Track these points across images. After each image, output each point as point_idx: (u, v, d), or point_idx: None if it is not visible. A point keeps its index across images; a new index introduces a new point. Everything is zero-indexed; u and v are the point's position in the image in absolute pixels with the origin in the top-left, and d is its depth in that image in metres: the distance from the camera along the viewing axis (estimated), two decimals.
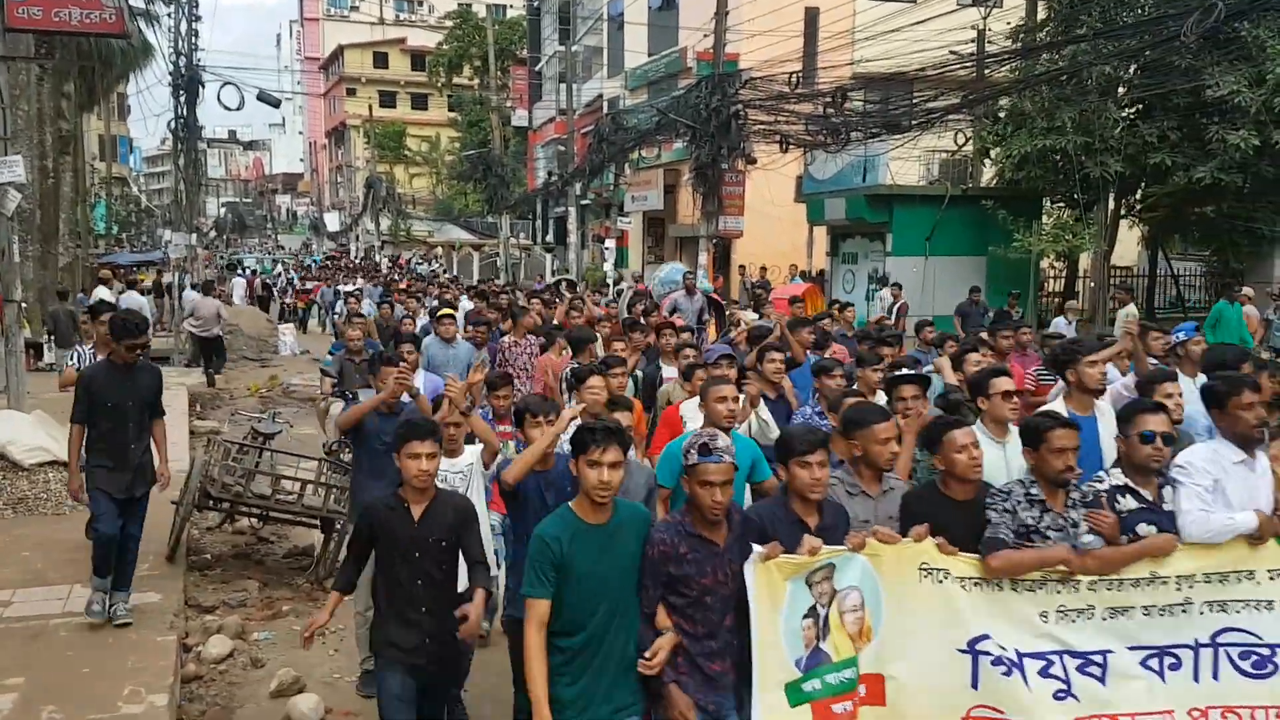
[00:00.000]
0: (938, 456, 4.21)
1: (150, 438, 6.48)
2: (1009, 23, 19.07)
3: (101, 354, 7.26)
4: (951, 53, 16.24)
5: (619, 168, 27.73)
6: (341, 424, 6.46)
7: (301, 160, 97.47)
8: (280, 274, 41.18)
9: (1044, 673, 3.96)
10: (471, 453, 5.30)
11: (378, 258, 49.07)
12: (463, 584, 4.31)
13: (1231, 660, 4.07)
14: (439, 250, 49.18)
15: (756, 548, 3.70)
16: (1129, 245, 21.71)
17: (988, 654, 3.93)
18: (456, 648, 4.25)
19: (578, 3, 38.40)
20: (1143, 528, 4.05)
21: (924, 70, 15.96)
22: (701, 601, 3.71)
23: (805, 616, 3.78)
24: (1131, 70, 16.59)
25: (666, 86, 29.80)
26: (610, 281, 25.93)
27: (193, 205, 27.80)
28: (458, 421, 5.21)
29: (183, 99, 24.13)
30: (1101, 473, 4.32)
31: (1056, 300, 21.33)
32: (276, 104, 26.59)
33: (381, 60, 71.36)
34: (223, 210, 78.66)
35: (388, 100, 68.60)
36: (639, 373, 8.36)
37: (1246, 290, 14.31)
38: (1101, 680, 3.98)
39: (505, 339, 9.66)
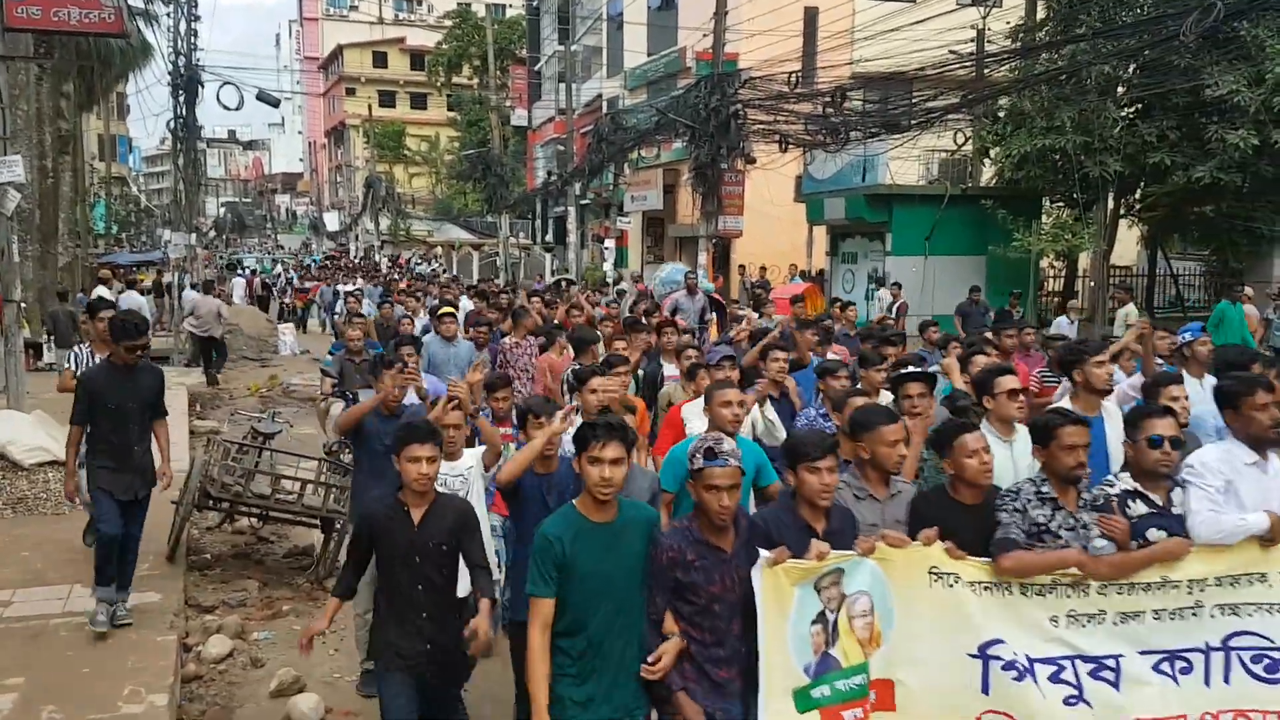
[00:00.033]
0: (947, 461, 4.16)
1: (153, 439, 6.46)
2: (1008, 22, 19.07)
3: (100, 352, 7.25)
4: (951, 52, 16.24)
5: (618, 167, 27.75)
6: (340, 426, 6.46)
7: (301, 160, 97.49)
8: (280, 274, 41.16)
9: (1055, 678, 3.91)
10: (471, 456, 5.26)
11: (377, 257, 49.08)
12: (463, 588, 4.27)
13: (1244, 664, 4.02)
14: (438, 250, 49.19)
15: (763, 553, 3.66)
16: (1128, 245, 21.71)
17: (999, 659, 3.89)
18: (458, 653, 4.20)
19: (577, 2, 38.37)
20: (1153, 533, 4.01)
21: (923, 70, 15.96)
22: (709, 609, 3.67)
23: (814, 622, 3.73)
24: (1131, 70, 16.59)
25: (666, 86, 29.80)
26: (610, 281, 25.93)
27: (192, 205, 27.79)
28: (457, 423, 5.17)
29: (182, 99, 24.11)
30: (1111, 477, 4.29)
31: (1056, 300, 21.34)
32: (276, 104, 26.60)
33: (381, 60, 71.36)
34: (222, 210, 78.69)
35: (387, 100, 68.60)
36: (640, 371, 8.34)
37: (1246, 290, 14.32)
38: (1115, 685, 3.94)
39: (506, 340, 9.65)
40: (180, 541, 7.82)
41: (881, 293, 19.48)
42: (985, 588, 3.92)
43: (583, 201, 32.53)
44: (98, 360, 7.20)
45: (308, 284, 33.81)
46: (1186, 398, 5.29)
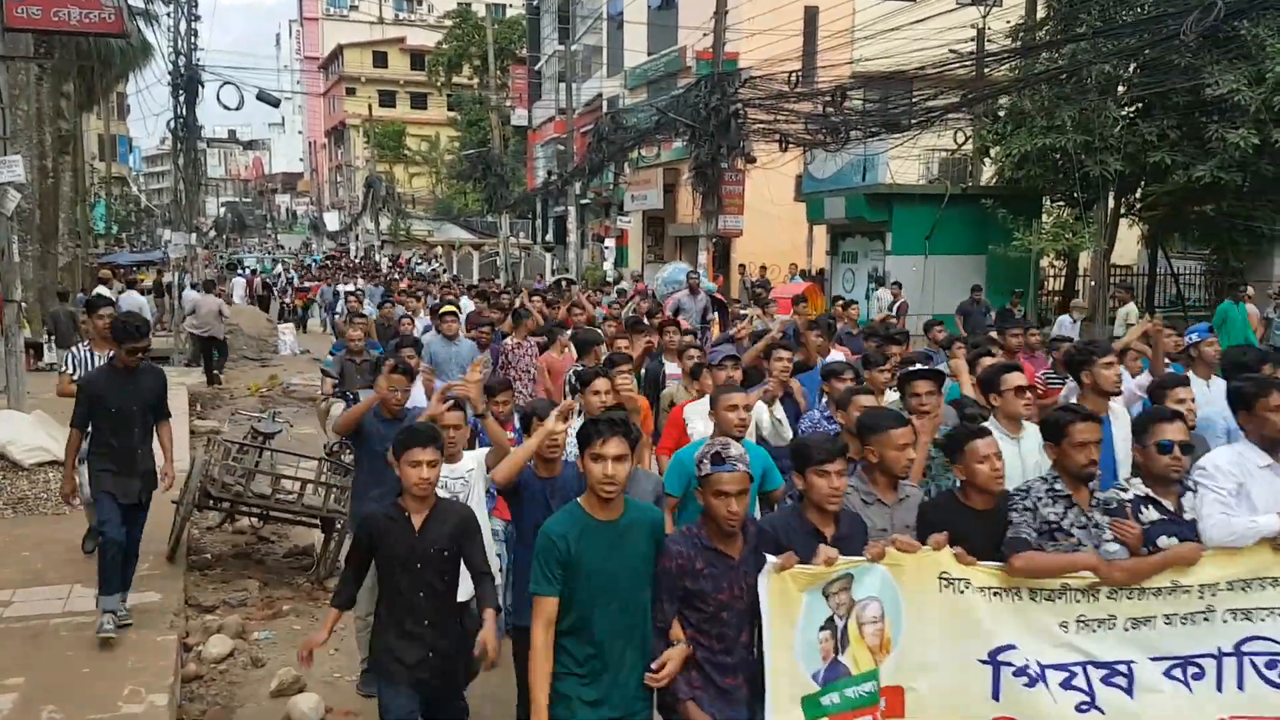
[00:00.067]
0: (958, 466, 4.12)
1: (155, 441, 6.43)
2: (1008, 21, 19.07)
3: (99, 350, 7.24)
4: (951, 51, 16.23)
5: (618, 167, 27.76)
6: (338, 429, 6.44)
7: (301, 160, 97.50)
8: (280, 274, 41.17)
9: (1067, 684, 3.87)
10: (471, 458, 5.18)
11: (377, 257, 49.11)
12: (463, 592, 4.22)
13: (1257, 669, 3.96)
14: (439, 250, 49.17)
15: (770, 558, 3.62)
16: (1129, 244, 21.71)
17: (1009, 664, 3.85)
18: (459, 659, 4.16)
19: (577, 2, 38.38)
20: (1163, 540, 3.95)
21: (923, 69, 15.96)
22: (718, 617, 3.61)
23: (822, 628, 3.69)
24: (1131, 69, 16.58)
25: (666, 85, 29.81)
26: (610, 280, 25.94)
27: (192, 205, 27.81)
28: (457, 424, 5.12)
29: (182, 98, 24.13)
30: (1123, 481, 4.26)
31: (1057, 299, 21.34)
32: (276, 103, 26.60)
33: (381, 60, 71.38)
34: (222, 210, 78.75)
35: (387, 100, 68.60)
36: (642, 370, 8.32)
37: (1247, 289, 14.31)
38: (1128, 692, 3.89)
39: (508, 340, 9.65)
40: (180, 541, 7.82)
41: (880, 292, 19.46)
42: (995, 593, 3.88)
43: (583, 201, 32.52)
44: (96, 358, 7.21)
45: (308, 284, 33.83)
46: (1193, 400, 5.27)
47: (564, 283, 19.64)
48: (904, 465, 4.16)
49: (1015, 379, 5.02)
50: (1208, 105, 15.34)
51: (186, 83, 23.92)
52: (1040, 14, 19.25)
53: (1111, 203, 18.04)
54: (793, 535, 3.78)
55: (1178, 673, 3.94)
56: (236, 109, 24.26)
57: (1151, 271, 21.57)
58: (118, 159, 52.84)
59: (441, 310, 9.88)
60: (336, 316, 20.09)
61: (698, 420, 5.96)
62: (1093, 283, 18.57)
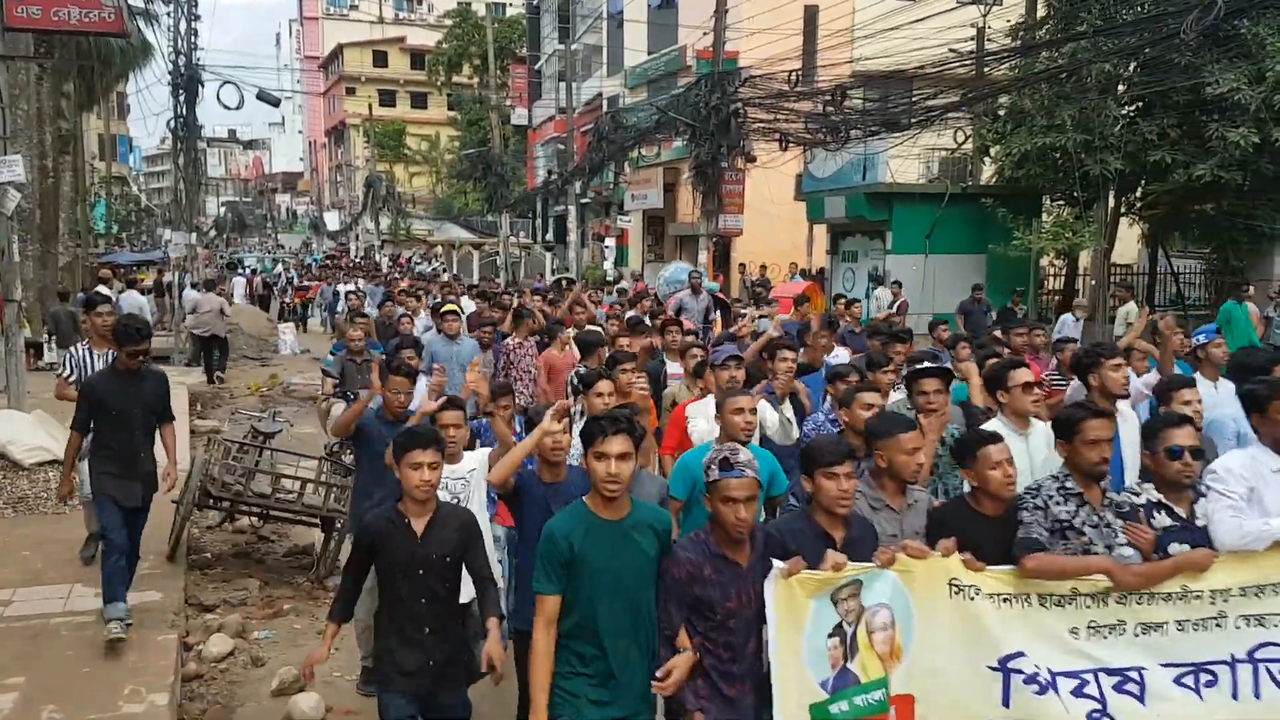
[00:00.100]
0: (970, 472, 4.06)
1: (159, 444, 6.41)
2: (1008, 20, 19.04)
3: (98, 349, 7.24)
4: (951, 50, 16.21)
5: (619, 166, 27.75)
6: (335, 432, 6.42)
7: (301, 159, 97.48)
8: (280, 273, 41.19)
9: (1078, 692, 3.82)
10: (473, 458, 5.14)
11: (378, 257, 49.12)
12: (465, 593, 4.17)
13: (1273, 677, 3.90)
14: (439, 249, 49.19)
15: (777, 563, 3.56)
16: (1129, 243, 21.68)
17: (1020, 672, 3.80)
18: (460, 664, 4.13)
19: (577, 1, 38.40)
20: (1174, 547, 3.91)
21: (923, 68, 15.94)
22: (725, 625, 3.57)
23: (831, 635, 3.63)
24: (1131, 68, 16.56)
25: (666, 85, 29.82)
26: (610, 280, 25.94)
27: (192, 204, 27.82)
28: (456, 423, 5.09)
29: (182, 98, 24.13)
30: (1135, 486, 4.22)
31: (1057, 298, 21.33)
32: (276, 103, 26.59)
33: (381, 59, 71.37)
34: (223, 209, 78.78)
35: (387, 99, 68.60)
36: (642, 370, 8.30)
37: (1249, 289, 14.31)
38: (1140, 699, 3.84)
39: (509, 340, 9.65)
40: (181, 540, 7.82)
41: (879, 291, 19.44)
42: (1005, 599, 3.83)
43: (583, 200, 32.53)
44: (95, 358, 7.20)
45: (308, 283, 33.84)
46: (1200, 401, 5.25)
47: (564, 282, 19.66)
48: (913, 470, 4.10)
49: (1022, 375, 4.99)
50: (1208, 104, 15.33)
51: (186, 82, 23.92)
52: (1040, 13, 19.23)
53: (1111, 202, 18.03)
54: (802, 539, 3.72)
55: (1190, 680, 3.88)
56: (236, 109, 24.29)
57: (1152, 270, 21.56)
58: (118, 159, 52.85)
59: (443, 310, 9.88)
60: (337, 316, 20.10)
61: (699, 419, 5.93)
62: (1093, 282, 18.57)
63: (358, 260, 46.96)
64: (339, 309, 21.02)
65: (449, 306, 9.95)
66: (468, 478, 5.09)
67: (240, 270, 35.40)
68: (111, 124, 46.39)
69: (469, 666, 4.19)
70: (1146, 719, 3.84)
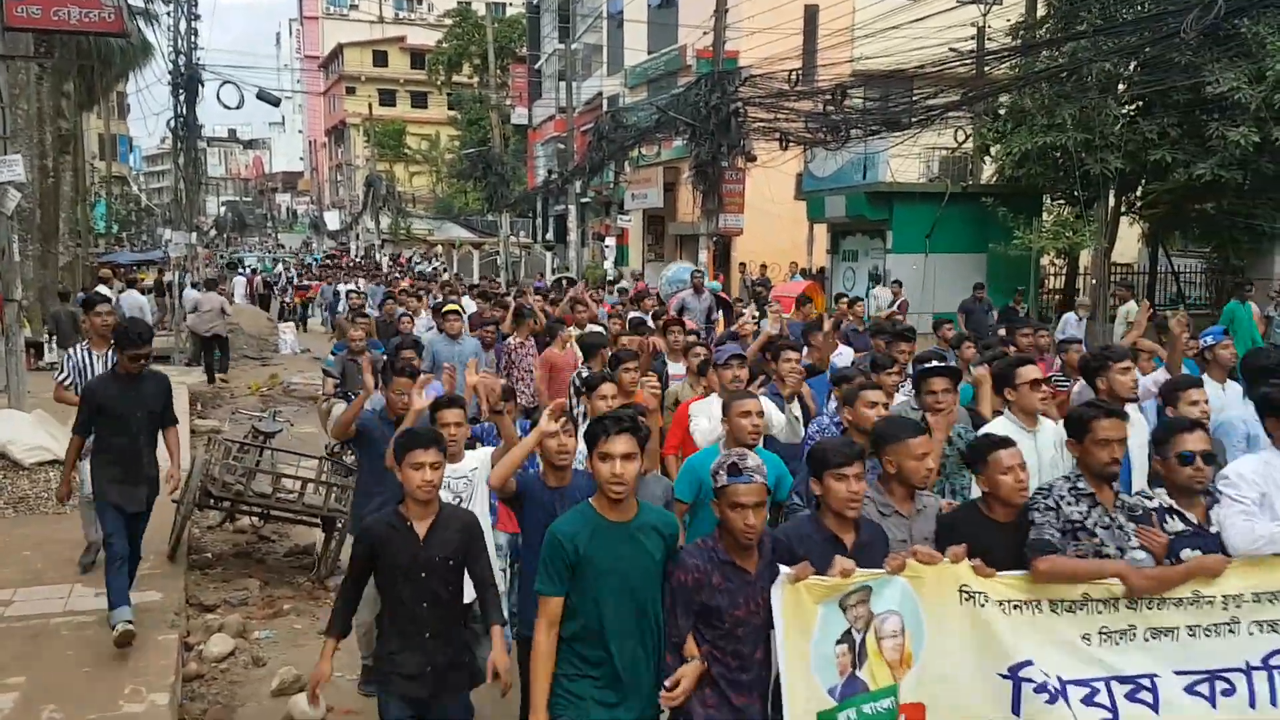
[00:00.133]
0: (981, 477, 4.02)
1: (161, 447, 6.39)
2: (1009, 19, 19.05)
3: (97, 348, 7.22)
4: (951, 50, 16.20)
5: (619, 165, 27.75)
6: (334, 435, 6.40)
7: (301, 159, 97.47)
8: (281, 273, 41.21)
9: (1089, 701, 3.76)
10: (474, 458, 5.11)
11: (378, 256, 49.12)
12: (466, 594, 4.14)
13: None
14: (439, 249, 49.20)
15: (784, 569, 3.50)
16: (1129, 242, 21.68)
17: (1030, 680, 3.74)
18: (462, 667, 4.10)
19: (577, 1, 38.39)
20: (1186, 553, 3.86)
21: (923, 67, 15.94)
22: (733, 634, 3.52)
23: (839, 642, 3.57)
24: (1131, 67, 16.56)
25: (666, 84, 29.82)
26: (611, 279, 25.94)
27: (193, 204, 27.82)
28: (457, 421, 5.05)
29: (182, 98, 24.14)
30: (1148, 489, 4.18)
31: (1057, 297, 21.33)
32: (276, 102, 26.58)
33: (381, 59, 71.37)
34: (223, 209, 78.84)
35: (387, 99, 68.61)
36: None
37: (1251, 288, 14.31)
38: (1154, 708, 3.79)
39: (511, 340, 9.65)
40: (181, 540, 7.82)
41: (878, 290, 19.42)
42: (1014, 606, 3.78)
43: (583, 200, 32.52)
44: (94, 358, 7.18)
45: (308, 282, 33.84)
46: (1207, 401, 5.23)
47: (564, 281, 19.66)
48: (923, 475, 4.04)
49: (1030, 372, 4.96)
50: (1208, 103, 15.32)
51: (186, 82, 23.93)
52: (1040, 12, 19.22)
53: (1112, 201, 18.02)
54: (810, 544, 3.65)
55: (1203, 688, 3.83)
56: (236, 108, 24.31)
57: (1152, 269, 21.56)
58: (118, 158, 52.86)
59: (445, 309, 9.88)
60: (337, 316, 20.10)
61: (701, 417, 5.90)
62: (1093, 281, 18.55)
63: (358, 260, 46.97)
64: (339, 309, 21.03)
65: (450, 306, 9.95)
66: (470, 477, 5.05)
67: (240, 270, 35.40)
68: (111, 124, 46.42)
69: (471, 670, 4.17)
70: None
